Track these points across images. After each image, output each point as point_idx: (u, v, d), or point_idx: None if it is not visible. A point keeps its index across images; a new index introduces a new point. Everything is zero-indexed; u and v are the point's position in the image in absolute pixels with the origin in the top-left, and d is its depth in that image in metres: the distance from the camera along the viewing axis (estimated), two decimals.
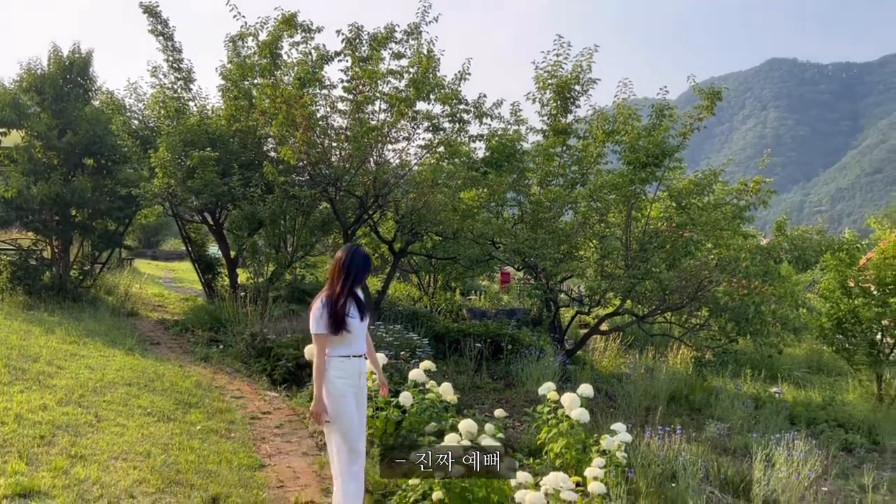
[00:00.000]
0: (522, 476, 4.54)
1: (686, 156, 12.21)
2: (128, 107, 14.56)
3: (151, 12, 13.66)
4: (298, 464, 5.84)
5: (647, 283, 11.03)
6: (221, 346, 10.64)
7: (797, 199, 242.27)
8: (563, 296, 14.08)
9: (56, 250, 13.68)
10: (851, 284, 12.66)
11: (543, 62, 12.20)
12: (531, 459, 6.15)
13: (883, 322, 12.38)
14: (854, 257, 12.71)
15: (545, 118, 12.58)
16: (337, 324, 4.23)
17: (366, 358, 4.57)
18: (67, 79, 13.45)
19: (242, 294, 12.78)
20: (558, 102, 12.32)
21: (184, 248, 16.94)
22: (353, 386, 4.36)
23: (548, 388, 6.29)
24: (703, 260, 11.24)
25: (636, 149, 11.20)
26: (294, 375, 8.72)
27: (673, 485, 6.01)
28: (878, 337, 12.47)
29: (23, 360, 7.61)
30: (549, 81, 12.17)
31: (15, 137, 13.39)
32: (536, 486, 4.40)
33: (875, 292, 12.40)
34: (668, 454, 6.40)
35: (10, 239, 15.63)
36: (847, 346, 12.63)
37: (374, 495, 5.16)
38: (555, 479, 4.30)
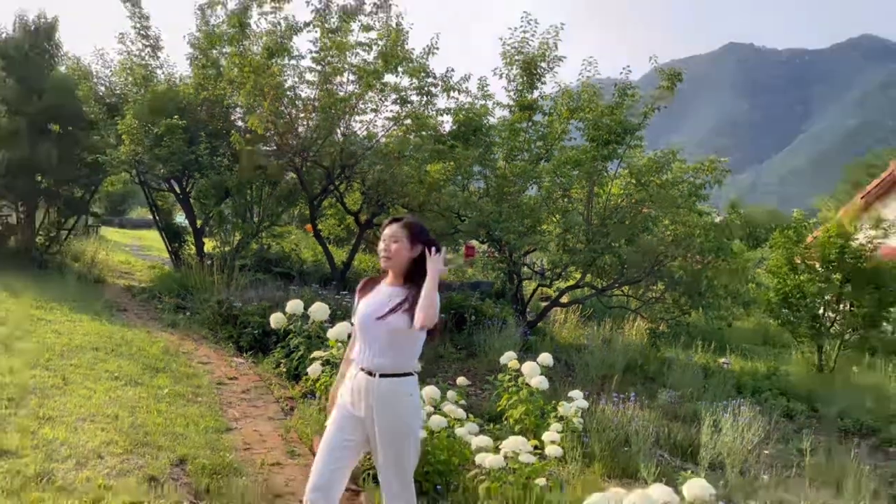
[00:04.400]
0: (483, 440, 4.60)
1: (646, 135, 12.32)
2: (94, 73, 14.21)
3: None
4: (264, 427, 5.84)
5: (607, 258, 11.18)
6: (188, 313, 10.49)
7: (750, 180, 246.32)
8: (525, 269, 14.19)
9: (22, 216, 13.35)
10: (798, 261, 12.94)
11: (511, 38, 12.17)
12: (492, 425, 6.23)
13: (825, 297, 12.72)
14: (801, 235, 12.98)
15: (512, 94, 12.57)
16: None
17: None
18: (33, 44, 13.03)
19: (209, 262, 12.60)
20: (525, 78, 12.31)
21: (151, 216, 16.62)
22: None
23: (509, 358, 6.36)
24: (661, 236, 11.42)
25: (599, 126, 11.27)
26: (260, 343, 8.66)
27: (626, 449, 6.16)
28: (821, 311, 12.81)
29: None
30: (516, 58, 12.15)
31: None
32: (496, 450, 4.47)
33: (819, 269, 12.72)
34: (622, 420, 6.55)
35: None
36: (791, 319, 12.94)
37: None
38: (514, 443, 4.37)
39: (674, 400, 8.77)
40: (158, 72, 13.84)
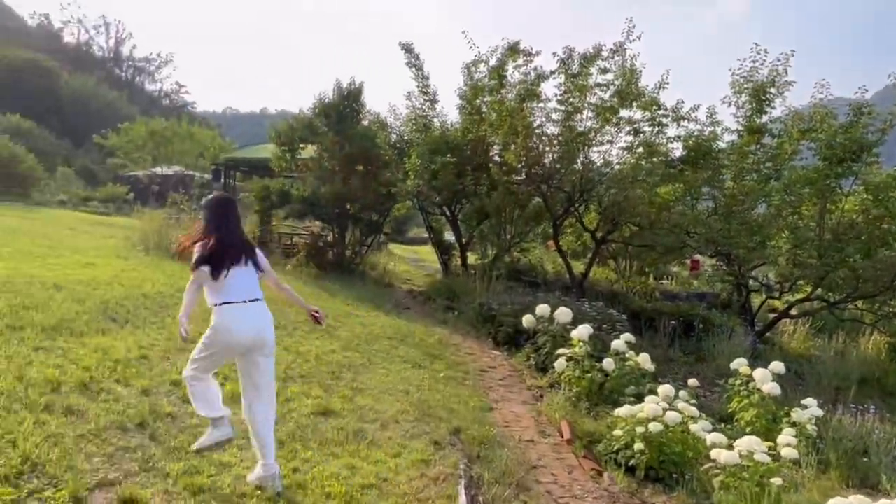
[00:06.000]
0: (717, 437, 4.33)
1: (883, 151, 10.65)
2: (388, 124, 15.58)
3: (408, 49, 14.49)
4: (519, 409, 6.01)
5: (841, 272, 9.84)
6: (456, 313, 10.95)
7: None
8: (752, 282, 12.97)
9: (336, 235, 15.10)
10: None
11: (739, 69, 11.30)
12: (722, 425, 5.80)
13: None
14: None
15: (740, 119, 11.63)
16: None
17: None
18: (345, 105, 14.66)
19: (472, 272, 13.21)
20: (753, 104, 11.34)
21: (425, 234, 17.80)
22: None
23: (740, 364, 5.92)
24: None
25: (832, 145, 10.00)
26: (512, 339, 8.79)
27: (865, 459, 5.37)
28: None
29: None
30: (745, 86, 11.25)
31: (309, 151, 14.91)
32: (730, 447, 4.17)
33: None
34: (861, 431, 5.73)
35: (304, 227, 17.52)
36: None
37: (582, 441, 5.19)
38: (749, 443, 4.05)
39: None
40: (435, 120, 14.81)
